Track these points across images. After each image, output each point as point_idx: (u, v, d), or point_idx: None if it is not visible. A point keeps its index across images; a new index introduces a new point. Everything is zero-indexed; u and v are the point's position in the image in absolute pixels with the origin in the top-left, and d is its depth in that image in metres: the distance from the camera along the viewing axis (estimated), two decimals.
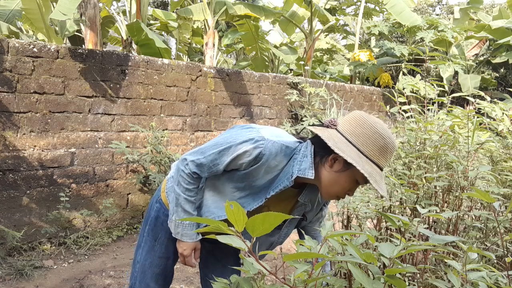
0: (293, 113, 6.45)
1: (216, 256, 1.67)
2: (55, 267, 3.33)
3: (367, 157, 1.22)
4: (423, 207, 1.70)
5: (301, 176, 1.29)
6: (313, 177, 1.28)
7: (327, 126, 1.30)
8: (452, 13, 13.06)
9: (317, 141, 1.30)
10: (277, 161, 1.31)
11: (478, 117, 2.06)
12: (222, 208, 1.42)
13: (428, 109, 2.55)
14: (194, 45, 10.74)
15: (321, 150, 1.28)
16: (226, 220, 1.37)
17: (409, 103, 2.43)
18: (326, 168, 1.28)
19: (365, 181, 1.24)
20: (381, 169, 1.25)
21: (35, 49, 3.60)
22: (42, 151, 3.69)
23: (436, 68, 10.54)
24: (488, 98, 2.66)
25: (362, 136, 1.23)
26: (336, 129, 1.28)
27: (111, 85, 4.15)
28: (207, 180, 1.44)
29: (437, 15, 19.94)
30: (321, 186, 1.31)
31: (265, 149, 1.29)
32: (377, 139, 1.23)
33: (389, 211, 1.96)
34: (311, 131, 1.32)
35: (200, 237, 1.46)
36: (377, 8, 9.64)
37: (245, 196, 1.38)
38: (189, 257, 1.46)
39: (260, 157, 1.29)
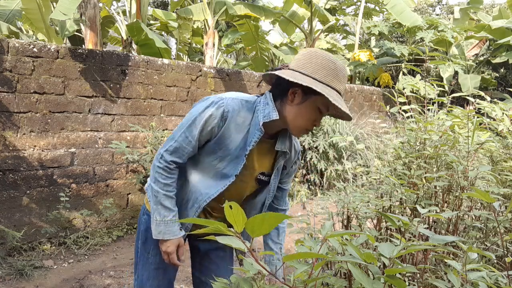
0: None
1: (210, 257, 1.64)
2: (55, 267, 3.33)
3: (322, 83, 1.29)
4: (423, 207, 1.69)
5: (268, 121, 1.35)
6: (277, 117, 1.34)
7: (280, 69, 1.36)
8: (452, 13, 13.05)
9: (274, 88, 1.39)
10: (243, 117, 1.37)
11: (478, 117, 2.06)
12: (211, 186, 1.43)
13: (428, 109, 2.55)
14: (194, 45, 10.74)
15: (280, 92, 1.36)
16: (221, 194, 1.42)
17: (409, 103, 2.43)
18: (288, 104, 1.35)
19: (326, 107, 1.32)
20: (340, 94, 1.32)
21: (35, 49, 3.60)
22: (42, 151, 3.69)
23: (436, 68, 10.53)
24: (488, 98, 2.66)
25: (313, 65, 1.30)
26: (288, 68, 1.35)
27: (111, 85, 4.15)
28: (188, 167, 1.45)
29: (437, 15, 19.93)
30: (288, 123, 1.37)
31: (227, 106, 1.35)
32: (327, 65, 1.30)
33: (389, 211, 1.96)
34: (267, 76, 1.39)
35: (183, 233, 1.45)
36: (377, 8, 9.64)
37: (228, 164, 1.41)
38: (173, 254, 1.43)
39: (225, 115, 1.35)
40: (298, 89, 1.31)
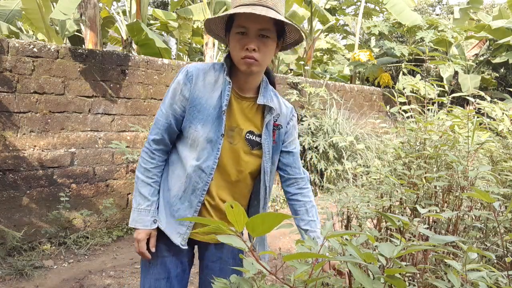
0: None
1: (213, 268, 1.55)
2: (55, 267, 3.33)
3: (236, 7, 1.31)
4: (423, 207, 1.70)
5: (232, 73, 1.39)
6: (230, 58, 1.38)
7: None
8: (452, 13, 13.05)
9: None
10: (213, 76, 1.40)
11: (478, 117, 2.06)
12: (207, 158, 1.38)
13: (428, 109, 2.55)
14: (194, 45, 10.74)
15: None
16: (220, 168, 1.40)
17: (409, 103, 2.43)
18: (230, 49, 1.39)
19: (240, 26, 1.30)
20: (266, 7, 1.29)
21: (35, 49, 3.60)
22: (42, 151, 3.69)
23: (436, 68, 10.54)
24: (488, 98, 2.66)
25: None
26: None
27: (111, 85, 4.15)
28: (179, 152, 1.41)
29: (437, 15, 19.94)
30: (234, 62, 1.37)
31: (190, 67, 1.40)
32: None
33: (389, 211, 1.96)
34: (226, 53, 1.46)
35: (155, 225, 1.41)
36: (377, 8, 9.64)
37: (212, 127, 1.37)
38: (142, 242, 1.40)
39: (190, 75, 1.38)
40: (227, 34, 1.37)
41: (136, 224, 1.40)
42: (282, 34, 1.38)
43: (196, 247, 1.56)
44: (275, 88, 1.52)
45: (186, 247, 1.42)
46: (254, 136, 1.44)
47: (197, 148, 1.38)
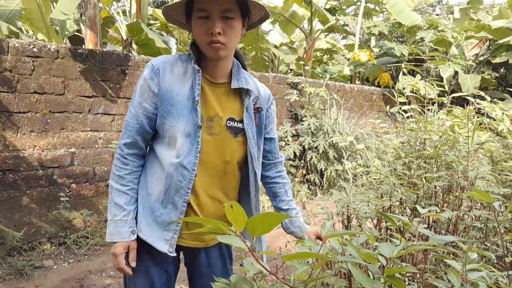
0: (293, 113, 6.45)
1: (203, 273, 1.48)
2: (55, 267, 3.33)
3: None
4: (423, 207, 1.70)
5: (200, 60, 1.33)
6: (195, 45, 1.33)
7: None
8: (452, 13, 13.05)
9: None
10: (182, 66, 1.33)
11: (478, 117, 2.06)
12: (186, 153, 1.30)
13: (428, 109, 2.55)
14: None
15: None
16: (203, 164, 1.32)
17: (409, 103, 2.43)
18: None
19: (200, 9, 1.24)
20: None
21: (35, 49, 3.60)
22: (42, 151, 3.69)
23: (436, 68, 10.54)
24: (488, 98, 2.66)
25: None
26: None
27: (111, 85, 4.15)
28: (157, 153, 1.34)
29: (437, 15, 19.94)
30: (200, 49, 1.32)
31: (156, 61, 1.33)
32: None
33: (389, 211, 1.96)
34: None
35: (134, 236, 1.31)
36: (377, 8, 9.64)
37: (187, 120, 1.30)
38: (120, 256, 1.29)
39: (156, 70, 1.31)
40: (188, 20, 1.32)
41: (113, 238, 1.29)
42: (247, 12, 1.31)
43: (181, 253, 1.46)
44: (246, 71, 1.46)
45: (174, 254, 1.33)
46: (236, 123, 1.37)
47: (175, 145, 1.29)
